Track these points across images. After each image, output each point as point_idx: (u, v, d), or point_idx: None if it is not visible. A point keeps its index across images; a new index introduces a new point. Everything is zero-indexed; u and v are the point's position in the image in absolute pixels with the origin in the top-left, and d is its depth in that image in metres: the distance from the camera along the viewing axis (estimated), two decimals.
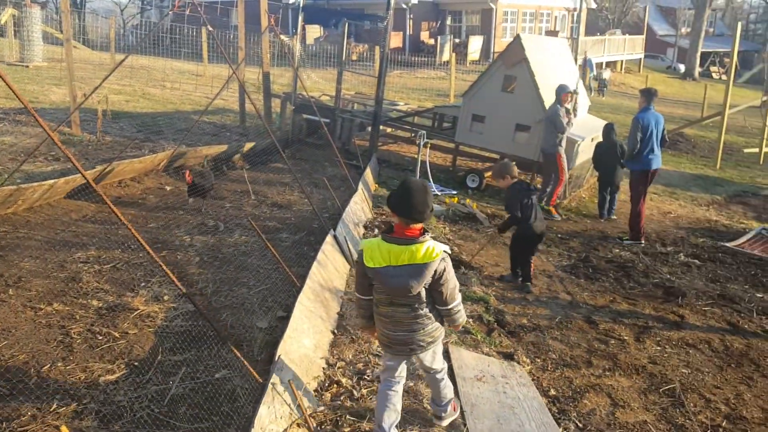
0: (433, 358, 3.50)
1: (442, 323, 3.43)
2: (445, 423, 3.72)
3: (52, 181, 6.64)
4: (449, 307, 3.33)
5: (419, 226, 3.22)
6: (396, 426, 3.45)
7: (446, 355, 4.51)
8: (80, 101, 8.85)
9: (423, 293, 3.25)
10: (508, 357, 4.72)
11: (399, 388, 3.47)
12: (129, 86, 15.82)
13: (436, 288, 3.25)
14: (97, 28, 31.52)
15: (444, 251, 3.23)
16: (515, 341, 5.07)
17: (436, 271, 3.19)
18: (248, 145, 10.43)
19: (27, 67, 16.78)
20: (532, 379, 4.52)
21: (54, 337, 4.13)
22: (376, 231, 7.37)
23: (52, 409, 3.41)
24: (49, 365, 3.82)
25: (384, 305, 3.33)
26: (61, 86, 13.83)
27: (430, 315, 3.34)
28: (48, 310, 4.48)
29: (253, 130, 11.81)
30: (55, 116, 11.05)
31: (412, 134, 11.63)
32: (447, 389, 3.67)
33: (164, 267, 3.37)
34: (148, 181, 8.42)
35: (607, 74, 27.18)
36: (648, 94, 8.32)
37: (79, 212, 6.79)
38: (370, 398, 3.83)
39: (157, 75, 18.40)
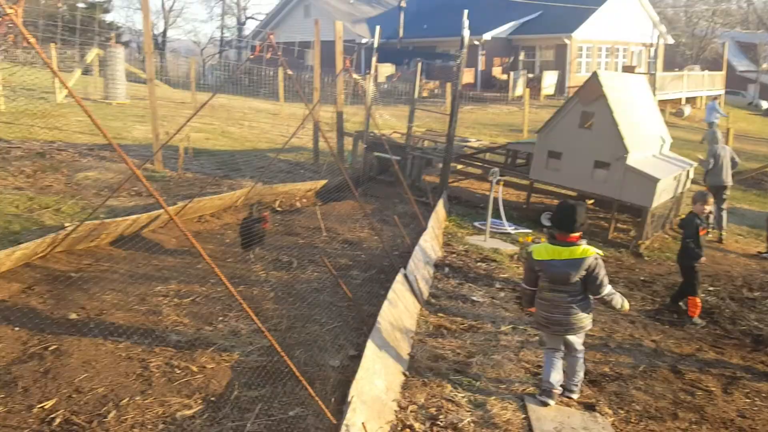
0: (578, 340, 4.45)
1: (590, 314, 4.36)
2: (575, 396, 4.56)
3: (135, 216, 6.90)
4: (602, 294, 4.27)
5: (577, 234, 4.23)
6: (560, 384, 4.44)
7: (523, 407, 4.35)
8: (164, 140, 9.23)
9: (579, 284, 4.23)
10: (590, 408, 4.49)
11: (559, 356, 4.44)
12: (209, 124, 16.41)
13: (589, 280, 4.21)
14: (179, 66, 33.12)
15: (597, 252, 4.22)
16: (597, 391, 4.83)
17: (589, 266, 4.18)
18: (321, 183, 10.59)
19: (110, 104, 17.69)
20: None
21: (133, 371, 4.22)
22: (446, 269, 7.28)
23: None
24: (127, 399, 3.90)
25: (547, 291, 4.32)
26: (144, 123, 14.47)
27: (581, 304, 4.28)
28: (128, 344, 4.59)
29: (325, 167, 11.99)
30: (138, 153, 11.53)
31: (484, 171, 11.52)
32: (581, 370, 4.56)
33: (243, 303, 3.41)
34: (227, 216, 8.63)
35: (687, 110, 26.23)
36: None
37: (160, 246, 7.00)
38: None
39: (236, 114, 19.04)
